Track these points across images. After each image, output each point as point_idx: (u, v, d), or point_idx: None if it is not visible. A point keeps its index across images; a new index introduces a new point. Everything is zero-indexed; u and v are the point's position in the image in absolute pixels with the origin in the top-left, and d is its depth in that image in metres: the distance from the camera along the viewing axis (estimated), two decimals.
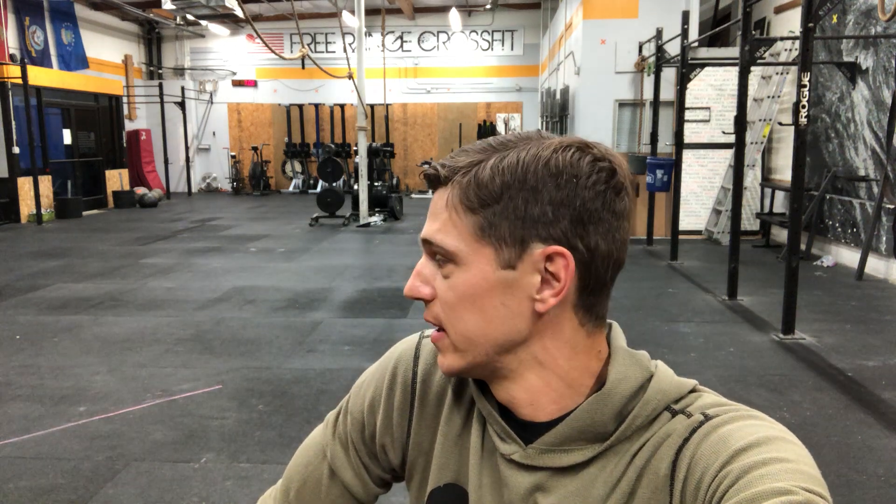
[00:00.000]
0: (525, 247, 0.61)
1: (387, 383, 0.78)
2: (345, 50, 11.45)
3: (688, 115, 8.64)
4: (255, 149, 17.30)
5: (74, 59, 14.36)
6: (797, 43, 5.81)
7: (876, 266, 6.88)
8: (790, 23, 8.94)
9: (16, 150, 11.40)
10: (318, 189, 14.36)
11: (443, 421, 0.75)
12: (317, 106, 17.56)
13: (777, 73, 9.07)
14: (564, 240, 0.61)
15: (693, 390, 0.66)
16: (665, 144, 9.21)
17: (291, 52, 16.95)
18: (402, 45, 17.55)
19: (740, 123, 5.95)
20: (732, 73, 9.20)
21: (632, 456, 0.63)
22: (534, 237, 0.61)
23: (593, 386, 0.66)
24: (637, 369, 0.66)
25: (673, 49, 8.36)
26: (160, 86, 16.56)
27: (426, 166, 0.66)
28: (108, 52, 16.01)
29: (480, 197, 0.62)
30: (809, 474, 0.53)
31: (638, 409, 0.63)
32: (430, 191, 0.72)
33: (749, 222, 9.57)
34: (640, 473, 0.62)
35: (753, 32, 6.87)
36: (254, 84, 17.94)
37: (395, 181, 15.12)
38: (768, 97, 9.08)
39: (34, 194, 11.51)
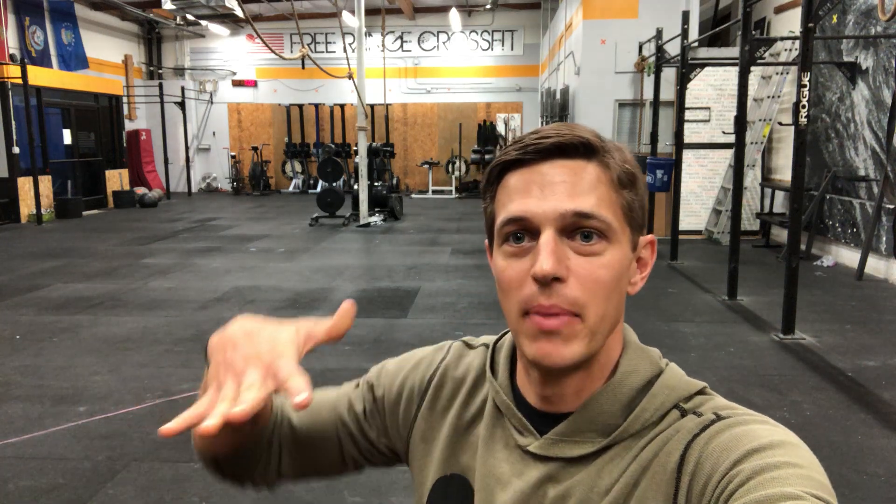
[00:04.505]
0: (641, 232, 0.67)
1: (411, 366, 0.83)
2: (345, 50, 11.45)
3: (688, 115, 8.63)
4: (255, 149, 17.29)
5: (74, 59, 14.35)
6: (797, 43, 5.81)
7: (876, 266, 6.88)
8: (790, 23, 8.94)
9: (16, 150, 11.39)
10: (318, 189, 14.34)
11: (454, 413, 0.77)
12: (317, 106, 17.56)
13: (777, 73, 9.07)
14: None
15: (702, 392, 0.67)
16: (665, 144, 9.21)
17: (291, 52, 16.95)
18: (402, 45, 17.55)
19: (740, 123, 5.95)
20: (732, 73, 9.20)
21: (640, 450, 0.64)
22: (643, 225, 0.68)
23: (608, 378, 0.68)
24: (647, 364, 0.68)
25: (673, 49, 8.36)
26: (160, 86, 16.54)
27: (555, 137, 0.63)
28: (108, 52, 16.00)
29: (628, 177, 0.65)
30: (820, 482, 0.53)
31: (645, 402, 0.65)
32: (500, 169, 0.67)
33: (749, 222, 9.56)
34: (646, 466, 0.62)
35: (753, 32, 6.88)
36: (254, 84, 17.93)
37: (395, 181, 15.11)
38: (768, 97, 9.08)
39: (34, 194, 11.51)
